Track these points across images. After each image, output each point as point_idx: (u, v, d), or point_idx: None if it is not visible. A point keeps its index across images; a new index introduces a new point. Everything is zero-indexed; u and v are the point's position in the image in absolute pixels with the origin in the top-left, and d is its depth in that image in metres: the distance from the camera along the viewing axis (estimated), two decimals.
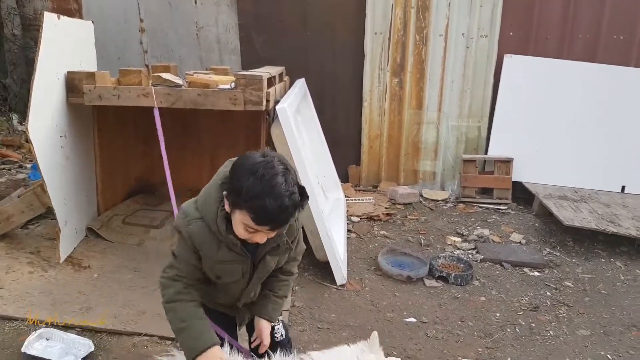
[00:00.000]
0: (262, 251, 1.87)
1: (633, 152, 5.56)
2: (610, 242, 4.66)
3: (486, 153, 5.71)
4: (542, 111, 5.58)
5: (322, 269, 3.86)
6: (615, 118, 5.53)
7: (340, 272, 3.73)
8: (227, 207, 1.73)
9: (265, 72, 3.60)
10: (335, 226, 4.19)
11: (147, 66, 5.27)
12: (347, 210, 5.07)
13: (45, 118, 3.19)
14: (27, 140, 5.95)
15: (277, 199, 1.60)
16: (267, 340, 2.02)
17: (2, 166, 5.19)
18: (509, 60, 5.51)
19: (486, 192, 5.66)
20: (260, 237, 1.73)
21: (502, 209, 5.43)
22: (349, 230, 4.70)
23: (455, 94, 5.68)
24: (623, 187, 5.61)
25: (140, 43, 5.68)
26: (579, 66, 5.47)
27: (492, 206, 5.49)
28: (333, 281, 3.73)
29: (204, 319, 1.85)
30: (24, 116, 6.30)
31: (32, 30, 5.90)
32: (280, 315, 2.12)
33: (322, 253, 3.75)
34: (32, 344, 2.64)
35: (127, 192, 4.48)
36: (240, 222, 1.69)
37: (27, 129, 2.98)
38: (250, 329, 2.20)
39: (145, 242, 3.91)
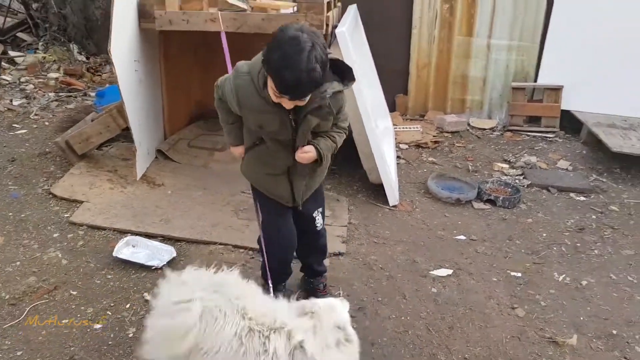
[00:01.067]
0: (305, 110, 2.07)
1: None
2: None
3: (535, 81, 5.64)
4: (594, 38, 5.38)
5: (374, 191, 4.06)
6: None
7: (392, 193, 3.92)
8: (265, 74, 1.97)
9: None
10: (387, 151, 4.34)
11: None
12: (395, 138, 5.18)
13: (122, 42, 3.39)
14: (89, 69, 6.24)
15: (294, 72, 1.81)
16: (304, 155, 2.16)
17: (69, 94, 5.48)
18: None
19: (534, 120, 5.63)
20: (287, 104, 1.97)
21: (549, 137, 5.43)
22: (398, 157, 4.84)
23: (507, 20, 5.53)
24: None
25: None
26: None
27: (539, 134, 5.49)
28: (385, 202, 3.93)
29: (234, 122, 2.29)
30: (82, 46, 6.54)
31: None
32: (320, 154, 2.20)
33: (375, 175, 3.92)
34: (121, 250, 2.98)
35: (188, 117, 4.72)
36: (270, 87, 1.95)
37: (109, 51, 3.18)
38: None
39: (210, 163, 4.18)
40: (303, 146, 2.17)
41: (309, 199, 2.42)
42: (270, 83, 1.92)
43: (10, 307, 2.56)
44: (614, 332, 2.69)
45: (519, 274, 3.17)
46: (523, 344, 2.58)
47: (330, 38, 3.80)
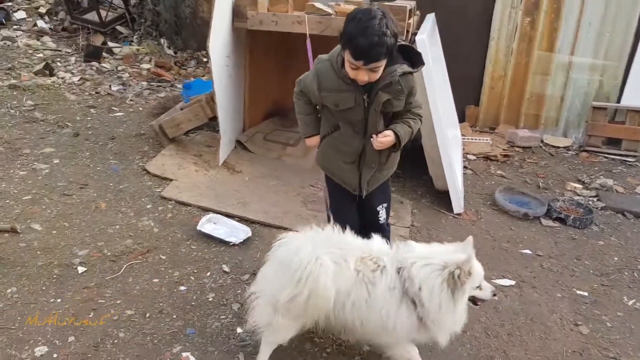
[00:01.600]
0: (377, 87, 2.23)
1: None
2: None
3: (619, 102, 5.46)
4: None
5: (438, 197, 4.12)
6: None
7: (458, 201, 3.96)
8: (342, 53, 2.18)
9: (406, 3, 3.77)
10: (455, 159, 4.38)
11: None
12: (463, 149, 5.20)
13: (218, 39, 3.68)
14: (176, 63, 6.70)
15: (367, 37, 2.02)
16: (382, 139, 2.31)
17: (159, 84, 5.93)
18: None
19: (614, 142, 5.46)
20: (362, 75, 2.14)
21: (629, 161, 5.24)
22: (464, 167, 4.85)
23: (592, 36, 5.41)
24: None
25: None
26: None
27: (618, 157, 5.32)
28: (450, 210, 3.98)
29: (311, 114, 2.50)
30: (171, 41, 7.03)
31: None
32: (398, 138, 2.33)
33: (442, 182, 3.98)
34: (204, 225, 3.25)
35: (265, 113, 4.98)
36: (347, 61, 2.14)
37: (208, 46, 3.48)
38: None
39: (283, 157, 4.41)
40: (377, 132, 2.32)
41: (374, 191, 2.55)
42: (347, 56, 2.13)
43: (110, 263, 2.89)
44: None
45: (586, 293, 3.13)
46: None
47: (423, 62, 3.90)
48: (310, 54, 3.39)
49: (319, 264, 1.97)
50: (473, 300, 2.15)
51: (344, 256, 2.06)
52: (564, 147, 5.55)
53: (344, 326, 2.14)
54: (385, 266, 2.08)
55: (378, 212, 2.62)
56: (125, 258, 2.94)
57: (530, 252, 3.55)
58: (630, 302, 3.08)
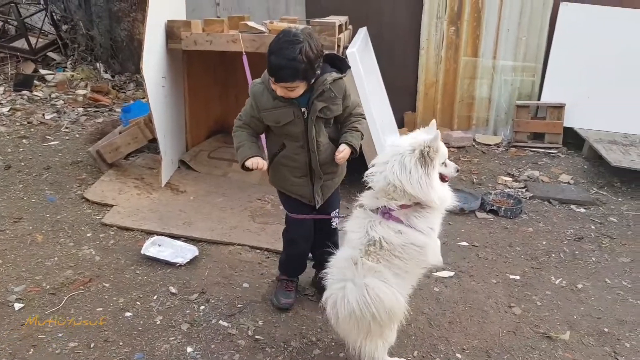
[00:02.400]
0: (311, 97, 2.39)
1: None
2: None
3: (539, 99, 5.88)
4: (595, 58, 5.64)
5: None
6: None
7: None
8: None
9: (336, 19, 3.96)
10: None
11: (218, 17, 5.69)
12: None
13: (152, 61, 3.72)
14: (114, 87, 6.62)
15: (278, 57, 2.19)
16: (341, 155, 2.48)
17: (96, 109, 5.85)
18: (565, 7, 5.58)
19: (538, 137, 5.87)
20: (279, 91, 2.30)
21: (552, 153, 5.65)
22: None
23: (511, 42, 5.81)
24: None
25: None
26: (634, 13, 5.48)
27: (543, 150, 5.72)
28: None
29: (254, 142, 2.51)
30: (108, 65, 6.95)
31: None
32: (353, 149, 2.52)
33: None
34: (148, 248, 3.25)
35: (208, 131, 5.03)
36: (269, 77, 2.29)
37: (141, 68, 3.51)
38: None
39: (229, 173, 4.47)
40: (319, 142, 2.48)
41: (327, 199, 2.71)
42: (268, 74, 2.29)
43: (50, 296, 2.84)
44: (606, 329, 2.87)
45: (518, 277, 3.37)
46: (518, 338, 2.77)
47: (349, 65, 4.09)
48: (247, 70, 3.51)
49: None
50: (441, 177, 2.30)
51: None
52: (495, 145, 5.91)
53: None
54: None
55: (331, 218, 2.78)
56: (66, 290, 2.88)
57: (467, 244, 3.77)
58: (557, 281, 3.34)
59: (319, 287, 2.96)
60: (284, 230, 2.85)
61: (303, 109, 2.40)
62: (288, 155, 2.53)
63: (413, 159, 2.13)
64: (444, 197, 2.26)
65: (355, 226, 2.31)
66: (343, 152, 2.47)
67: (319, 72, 2.34)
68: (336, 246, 2.93)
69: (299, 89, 2.31)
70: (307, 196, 2.64)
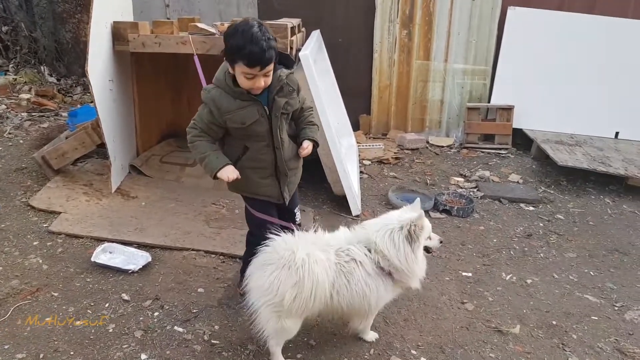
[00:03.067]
0: (271, 95, 2.41)
1: (628, 100, 5.91)
2: (601, 182, 5.09)
3: (489, 102, 6.08)
4: (542, 61, 5.91)
5: (339, 202, 4.32)
6: (612, 68, 5.85)
7: (355, 203, 4.19)
8: (231, 70, 2.31)
9: (288, 22, 3.95)
10: (350, 166, 4.62)
11: (168, 19, 5.58)
12: (359, 155, 5.49)
13: (98, 63, 3.59)
14: (60, 91, 6.37)
15: (257, 43, 2.19)
16: (305, 151, 2.60)
17: (41, 114, 5.60)
18: (513, 11, 5.80)
19: (488, 138, 6.07)
20: (259, 82, 2.29)
21: (502, 154, 5.85)
22: (361, 172, 5.14)
23: (461, 44, 5.99)
24: (617, 133, 5.99)
25: None
26: (578, 18, 5.77)
27: (493, 151, 5.91)
28: (349, 212, 4.19)
29: (217, 150, 2.47)
30: (53, 68, 6.67)
31: None
32: (315, 142, 2.65)
33: (339, 187, 4.19)
34: (99, 256, 3.14)
35: (160, 135, 4.91)
36: (241, 73, 2.27)
37: (86, 71, 3.38)
38: None
39: (182, 178, 4.37)
40: (282, 139, 2.52)
41: (292, 196, 2.75)
42: (240, 69, 2.26)
43: None
44: (554, 322, 2.99)
45: (470, 274, 3.46)
46: (471, 333, 2.84)
47: (294, 61, 4.09)
48: (200, 71, 3.44)
49: (313, 260, 2.19)
50: (426, 249, 2.54)
51: (324, 251, 2.30)
52: (447, 146, 6.06)
53: (332, 312, 2.42)
54: (355, 258, 2.35)
55: (295, 214, 2.84)
56: (12, 300, 2.76)
57: None
58: (508, 277, 3.45)
59: None
60: (250, 236, 2.79)
61: (265, 107, 2.42)
62: (253, 157, 2.51)
63: (401, 236, 2.33)
64: (422, 270, 2.48)
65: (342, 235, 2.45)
66: (307, 148, 2.59)
67: None
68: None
69: (271, 73, 2.34)
70: (275, 195, 2.65)
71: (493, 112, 6.07)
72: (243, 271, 2.86)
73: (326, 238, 2.41)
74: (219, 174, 2.40)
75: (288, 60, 2.56)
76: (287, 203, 2.71)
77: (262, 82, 2.31)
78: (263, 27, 2.25)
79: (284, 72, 2.44)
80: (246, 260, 2.76)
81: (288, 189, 2.67)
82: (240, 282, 2.93)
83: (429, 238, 2.52)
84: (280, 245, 2.24)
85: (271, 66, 2.29)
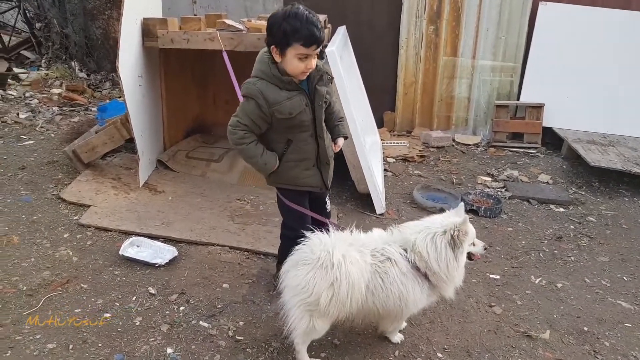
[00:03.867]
0: (312, 84, 2.47)
1: None
2: (635, 183, 4.93)
3: (518, 99, 5.95)
4: (574, 58, 5.75)
5: (362, 201, 4.29)
6: None
7: (380, 202, 4.15)
8: (277, 58, 2.36)
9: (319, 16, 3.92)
10: (374, 163, 4.58)
11: (195, 15, 5.62)
12: (383, 152, 5.44)
13: (128, 59, 3.64)
14: (89, 86, 6.49)
15: (312, 23, 2.27)
16: (337, 146, 2.73)
17: (72, 108, 5.72)
18: (544, 7, 5.65)
19: (517, 137, 5.93)
20: (311, 62, 2.36)
21: (531, 153, 5.72)
22: (385, 170, 5.09)
23: (490, 41, 5.87)
24: None
25: None
26: (612, 13, 5.59)
27: (522, 150, 5.78)
28: (373, 211, 4.16)
29: (264, 151, 2.52)
30: (83, 63, 6.80)
31: None
32: (346, 138, 2.78)
33: (363, 185, 4.16)
34: (127, 249, 3.18)
35: (186, 131, 4.96)
36: (294, 56, 2.31)
37: (117, 67, 3.42)
38: None
39: (207, 173, 4.40)
40: (338, 142, 2.69)
41: None
42: (293, 53, 2.30)
43: (27, 297, 2.76)
44: (585, 328, 2.90)
45: (498, 277, 3.38)
46: (499, 337, 2.78)
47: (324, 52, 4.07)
48: (229, 67, 3.45)
49: (349, 261, 2.18)
50: (469, 256, 2.45)
51: (360, 252, 2.27)
52: (474, 144, 5.96)
53: (366, 314, 2.37)
54: (390, 257, 2.31)
55: (326, 202, 2.91)
56: (43, 291, 2.81)
57: None
58: (537, 281, 3.37)
59: None
60: (285, 229, 2.83)
61: (308, 97, 2.48)
62: (297, 149, 2.56)
63: (444, 240, 2.27)
64: (461, 279, 2.41)
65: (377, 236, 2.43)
66: (341, 143, 2.73)
67: None
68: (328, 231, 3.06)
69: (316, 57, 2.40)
70: (318, 184, 2.71)
71: (522, 110, 5.93)
72: (281, 264, 2.89)
73: (362, 238, 2.38)
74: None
75: (322, 53, 2.64)
76: (329, 189, 2.80)
77: (314, 62, 2.37)
78: (308, 9, 2.32)
79: (319, 62, 2.49)
80: (283, 253, 2.81)
81: (329, 177, 2.76)
82: (276, 275, 2.94)
83: (473, 244, 2.44)
84: (317, 245, 2.21)
85: (322, 47, 2.35)
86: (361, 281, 2.21)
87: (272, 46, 2.34)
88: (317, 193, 2.78)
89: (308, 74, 2.41)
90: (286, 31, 2.25)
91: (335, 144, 2.71)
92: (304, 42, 2.26)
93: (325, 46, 4.04)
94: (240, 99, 2.71)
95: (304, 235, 2.66)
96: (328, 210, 2.93)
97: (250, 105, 2.41)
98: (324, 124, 2.59)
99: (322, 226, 2.78)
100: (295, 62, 2.32)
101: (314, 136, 2.56)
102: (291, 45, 2.28)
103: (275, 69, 2.37)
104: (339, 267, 2.14)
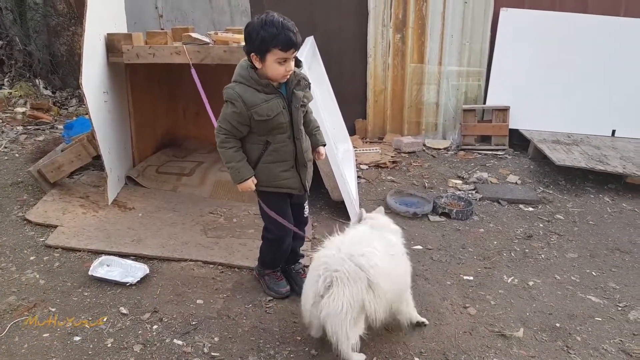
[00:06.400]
0: (290, 88, 2.60)
1: (624, 98, 5.91)
2: (599, 181, 5.08)
3: (484, 103, 6.08)
4: (536, 61, 5.92)
5: (336, 208, 4.30)
6: (607, 66, 5.86)
7: (353, 209, 4.15)
8: (257, 65, 2.48)
9: None
10: (347, 171, 4.60)
11: (162, 29, 5.58)
12: (356, 160, 5.48)
13: (92, 75, 3.58)
14: (55, 103, 6.36)
15: (288, 29, 2.40)
16: (321, 157, 2.94)
17: (37, 127, 5.59)
18: (505, 13, 5.81)
19: (485, 139, 6.06)
20: (289, 65, 2.48)
21: (499, 155, 5.84)
22: (358, 177, 5.11)
23: (455, 47, 5.99)
24: (613, 132, 5.98)
25: (156, 8, 5.97)
26: (570, 17, 5.78)
27: (490, 152, 5.90)
28: (347, 218, 4.13)
29: (242, 160, 2.65)
30: (48, 81, 6.67)
31: None
32: (324, 145, 2.94)
33: (337, 193, 4.17)
34: (96, 269, 3.11)
35: (155, 145, 4.90)
36: (273, 61, 2.44)
37: (80, 83, 3.36)
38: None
39: (178, 187, 4.35)
40: (301, 130, 2.72)
41: None
42: (272, 58, 2.42)
43: None
44: (557, 325, 2.95)
45: (471, 277, 3.42)
46: (474, 338, 2.80)
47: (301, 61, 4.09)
48: (197, 82, 3.44)
49: (377, 257, 2.35)
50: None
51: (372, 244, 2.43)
52: (444, 149, 6.05)
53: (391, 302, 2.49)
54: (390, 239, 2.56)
55: (304, 207, 3.02)
56: (9, 316, 2.72)
57: (421, 247, 3.81)
58: (509, 280, 3.42)
59: (292, 276, 3.15)
60: (266, 232, 2.94)
61: (285, 100, 2.59)
62: (276, 150, 2.66)
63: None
64: None
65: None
66: (323, 153, 2.91)
67: None
68: (304, 237, 3.21)
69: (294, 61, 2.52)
70: (297, 186, 2.81)
71: (489, 113, 6.06)
72: (263, 263, 3.07)
73: (359, 234, 2.51)
74: (240, 185, 2.67)
75: (297, 61, 2.69)
76: (307, 192, 2.89)
77: (292, 65, 2.49)
78: (282, 16, 2.45)
79: (296, 69, 2.62)
80: (264, 253, 3.04)
81: (307, 179, 2.85)
82: (259, 270, 3.10)
83: None
84: (329, 258, 2.30)
85: (298, 51, 2.47)
86: (387, 267, 2.36)
87: (252, 54, 2.46)
88: (296, 197, 2.87)
89: (288, 76, 2.53)
90: (264, 38, 2.38)
91: (317, 152, 2.87)
92: (282, 47, 2.38)
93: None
94: (209, 111, 2.75)
95: (284, 237, 2.87)
96: (306, 215, 3.04)
97: (228, 110, 2.55)
98: (302, 127, 2.70)
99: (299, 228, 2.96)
100: (276, 66, 2.45)
101: (292, 138, 2.66)
102: (270, 51, 2.40)
103: (254, 73, 2.50)
104: (361, 266, 2.26)
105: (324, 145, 2.91)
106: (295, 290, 3.01)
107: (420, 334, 2.81)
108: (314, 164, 4.06)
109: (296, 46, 2.43)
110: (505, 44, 5.89)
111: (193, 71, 3.13)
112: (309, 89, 2.73)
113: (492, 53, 5.96)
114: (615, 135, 5.97)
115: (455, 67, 6.05)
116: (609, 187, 5.02)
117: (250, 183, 2.67)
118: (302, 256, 3.25)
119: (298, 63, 2.67)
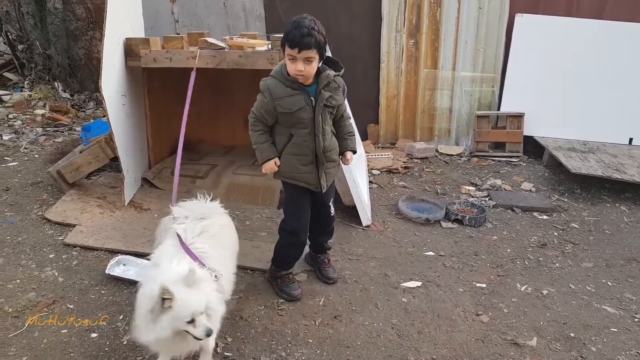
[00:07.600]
0: (319, 88, 2.70)
1: None
2: (616, 190, 5.02)
3: (499, 109, 6.05)
4: (552, 68, 5.87)
5: (348, 213, 4.30)
6: (623, 73, 5.79)
7: (365, 214, 4.17)
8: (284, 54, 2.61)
9: None
10: (359, 176, 4.61)
11: (177, 34, 5.66)
12: (368, 165, 5.48)
13: (111, 79, 3.65)
14: (73, 106, 6.47)
15: (299, 29, 2.49)
16: (350, 162, 3.03)
17: (55, 129, 5.69)
18: (520, 19, 5.78)
19: (499, 146, 6.03)
20: (299, 65, 2.56)
21: (513, 162, 5.81)
22: (370, 182, 5.12)
23: (469, 53, 5.98)
24: (630, 140, 5.90)
25: (172, 13, 6.05)
26: (586, 23, 5.73)
27: (504, 159, 5.87)
28: (359, 223, 4.17)
29: (266, 142, 2.82)
30: (66, 84, 6.79)
31: (71, 3, 6.31)
32: (355, 152, 3.03)
33: (349, 198, 4.18)
34: (113, 268, 3.17)
35: (171, 148, 4.95)
36: (286, 57, 2.60)
37: (100, 87, 3.43)
38: None
39: (193, 190, 4.38)
40: (324, 129, 2.80)
41: (328, 189, 2.98)
42: (286, 52, 2.56)
43: (13, 319, 2.74)
44: (572, 334, 2.92)
45: (484, 285, 3.41)
46: (487, 346, 2.79)
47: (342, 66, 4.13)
48: (191, 86, 3.52)
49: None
50: None
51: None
52: (457, 155, 6.04)
53: None
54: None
55: (330, 207, 3.13)
56: (29, 312, 2.79)
57: (433, 254, 3.80)
58: (523, 288, 3.40)
59: (317, 264, 3.37)
60: (282, 223, 3.05)
61: (312, 98, 2.69)
62: (297, 143, 2.77)
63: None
64: None
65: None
66: (351, 159, 2.99)
67: (325, 54, 2.65)
68: (332, 232, 3.36)
69: (314, 62, 2.58)
70: (314, 182, 2.88)
71: (503, 119, 6.04)
72: (275, 260, 3.17)
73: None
74: (263, 165, 2.82)
75: (337, 65, 2.81)
76: (323, 191, 2.92)
77: (301, 67, 2.55)
78: (314, 20, 2.55)
79: (332, 72, 2.73)
80: (279, 246, 3.13)
81: (326, 178, 2.90)
82: (272, 271, 3.20)
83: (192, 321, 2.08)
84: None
85: (310, 53, 2.52)
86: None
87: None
88: (319, 195, 2.96)
89: (304, 77, 2.61)
90: (284, 34, 2.55)
91: (344, 156, 2.96)
92: (289, 44, 2.52)
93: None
94: (185, 116, 3.41)
95: (298, 231, 2.96)
96: (332, 214, 3.18)
97: (259, 99, 2.75)
98: (326, 127, 2.79)
99: (319, 222, 3.11)
100: (288, 62, 2.59)
101: (313, 134, 2.75)
102: (284, 46, 2.57)
103: (285, 70, 2.65)
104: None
105: (354, 151, 2.99)
106: (318, 277, 3.32)
107: (432, 340, 2.81)
108: None
109: (300, 46, 2.49)
110: (520, 50, 5.86)
111: (193, 75, 3.25)
112: (343, 93, 2.83)
113: (506, 59, 5.92)
114: (633, 143, 5.89)
115: (469, 72, 6.04)
116: (626, 196, 4.95)
117: (273, 164, 2.81)
118: (329, 248, 3.42)
119: (338, 68, 2.78)
